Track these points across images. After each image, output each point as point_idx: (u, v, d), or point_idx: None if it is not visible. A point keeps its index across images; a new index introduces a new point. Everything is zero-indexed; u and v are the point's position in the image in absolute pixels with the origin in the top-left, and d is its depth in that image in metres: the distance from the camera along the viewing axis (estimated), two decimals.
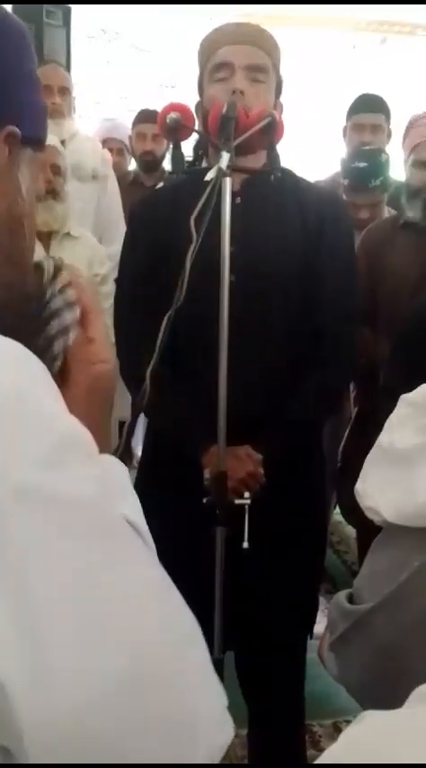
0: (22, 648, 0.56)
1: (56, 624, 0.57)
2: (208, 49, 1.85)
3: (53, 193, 2.79)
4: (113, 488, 0.69)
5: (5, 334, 0.66)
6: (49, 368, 0.69)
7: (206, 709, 0.64)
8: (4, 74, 0.76)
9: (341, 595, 1.03)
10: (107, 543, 0.63)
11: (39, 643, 0.56)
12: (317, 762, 0.67)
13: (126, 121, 4.35)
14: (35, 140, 0.81)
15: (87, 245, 3.03)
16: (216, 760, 0.63)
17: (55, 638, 0.57)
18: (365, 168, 2.85)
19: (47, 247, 2.82)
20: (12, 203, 0.77)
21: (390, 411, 1.02)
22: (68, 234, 2.91)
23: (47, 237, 2.83)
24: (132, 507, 0.72)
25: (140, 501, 0.76)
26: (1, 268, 0.76)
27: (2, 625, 0.56)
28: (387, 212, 2.98)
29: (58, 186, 2.82)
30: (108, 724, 0.57)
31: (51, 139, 2.64)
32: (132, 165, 4.39)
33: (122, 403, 1.98)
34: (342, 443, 2.95)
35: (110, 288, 2.79)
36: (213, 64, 1.82)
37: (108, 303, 2.33)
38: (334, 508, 3.47)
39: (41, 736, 0.56)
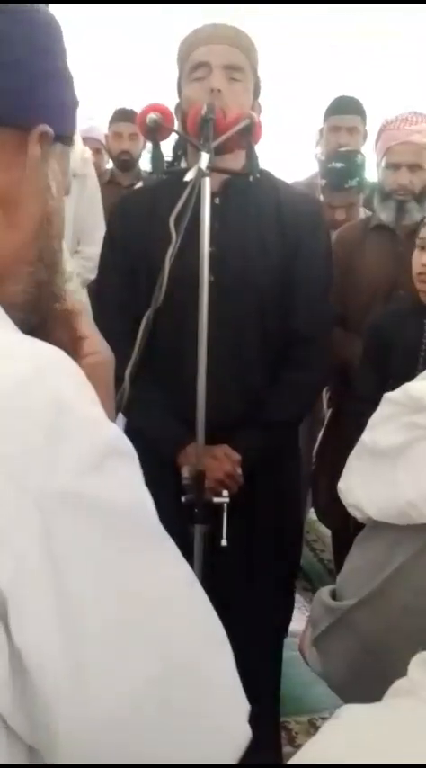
0: (63, 647, 0.57)
1: (94, 624, 0.58)
2: (186, 49, 1.86)
3: None
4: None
5: (31, 334, 0.67)
6: None
7: (231, 711, 0.65)
8: (35, 71, 0.73)
9: (324, 591, 1.05)
10: (146, 548, 0.64)
11: (78, 642, 0.58)
12: (294, 758, 0.68)
13: (102, 120, 4.34)
14: (66, 136, 0.79)
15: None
16: (236, 760, 0.65)
17: (93, 637, 0.58)
18: (342, 169, 2.88)
19: None
20: (43, 203, 0.76)
21: (361, 415, 1.04)
22: None
23: None
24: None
25: None
26: (32, 267, 0.75)
27: (45, 622, 0.57)
28: (363, 213, 3.01)
29: None
30: (138, 721, 0.59)
31: None
32: (108, 164, 4.38)
33: None
34: (316, 445, 2.97)
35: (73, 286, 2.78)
36: (191, 64, 1.83)
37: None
38: (310, 507, 3.50)
39: (75, 731, 0.57)
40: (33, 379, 0.61)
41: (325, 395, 2.96)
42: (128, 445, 0.66)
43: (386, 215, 2.58)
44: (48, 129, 0.74)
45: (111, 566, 0.60)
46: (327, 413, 2.98)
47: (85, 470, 0.60)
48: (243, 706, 0.67)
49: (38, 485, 0.58)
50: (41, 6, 0.75)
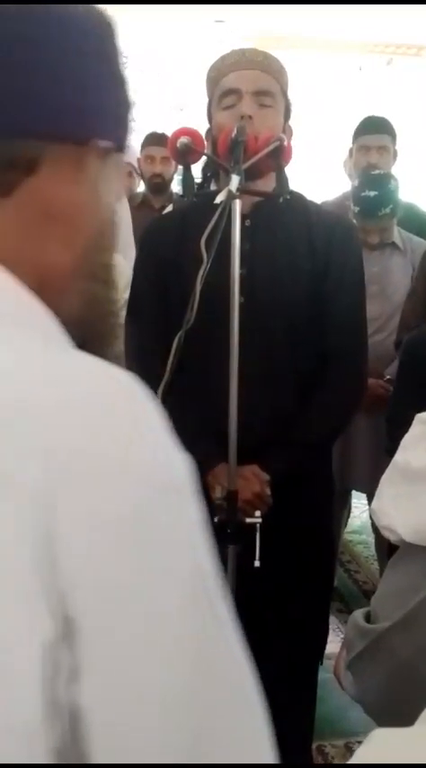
0: (123, 708, 0.53)
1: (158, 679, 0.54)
2: (216, 76, 1.88)
3: None
4: None
5: (82, 348, 0.64)
6: None
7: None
8: (90, 81, 0.67)
9: (359, 614, 1.04)
10: (212, 611, 0.58)
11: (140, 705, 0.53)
12: None
13: (134, 143, 4.40)
14: (122, 145, 0.74)
15: (124, 273, 3.01)
16: None
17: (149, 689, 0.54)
18: (375, 197, 2.87)
19: None
20: (101, 219, 0.72)
21: (396, 437, 1.03)
22: None
23: None
24: None
25: None
26: (86, 283, 0.72)
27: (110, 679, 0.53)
28: (397, 233, 3.00)
29: None
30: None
31: None
32: (140, 187, 4.42)
33: None
34: None
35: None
36: (221, 91, 1.85)
37: None
38: (344, 527, 3.47)
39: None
40: (116, 402, 0.58)
41: None
42: (194, 479, 0.61)
43: None
44: (108, 144, 0.70)
45: (194, 627, 0.56)
46: None
47: (161, 508, 0.55)
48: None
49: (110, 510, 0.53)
50: (91, 6, 0.69)
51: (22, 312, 0.64)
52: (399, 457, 0.99)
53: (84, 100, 0.67)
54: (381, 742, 0.66)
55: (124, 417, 0.57)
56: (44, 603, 0.51)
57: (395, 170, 3.23)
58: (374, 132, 3.28)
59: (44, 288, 0.66)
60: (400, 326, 2.74)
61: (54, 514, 0.52)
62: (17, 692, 0.51)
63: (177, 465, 0.59)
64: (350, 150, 3.38)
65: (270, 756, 0.59)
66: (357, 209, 2.92)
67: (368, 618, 1.01)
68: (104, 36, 0.70)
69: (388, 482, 1.01)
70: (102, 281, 0.74)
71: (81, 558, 0.52)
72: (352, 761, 0.68)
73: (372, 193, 2.88)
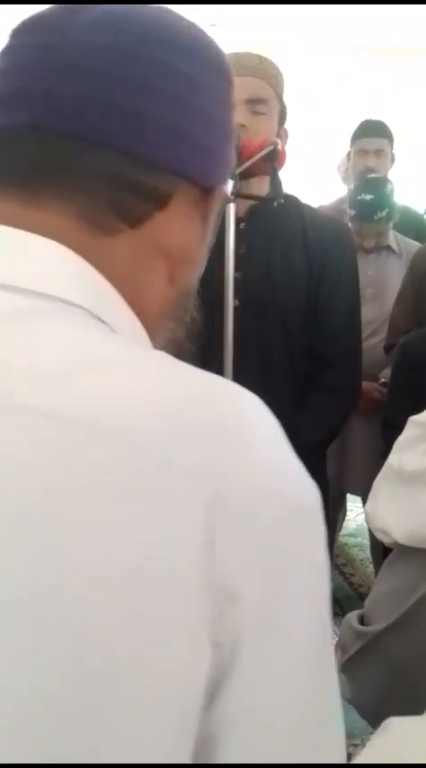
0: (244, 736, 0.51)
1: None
2: None
3: None
4: None
5: None
6: None
7: None
8: (225, 129, 0.68)
9: (353, 616, 1.04)
10: (327, 635, 0.57)
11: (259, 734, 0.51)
12: None
13: None
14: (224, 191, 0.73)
15: None
16: None
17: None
18: (371, 201, 2.88)
19: None
20: (201, 263, 0.71)
21: (390, 440, 1.03)
22: None
23: None
24: None
25: None
26: (174, 324, 0.72)
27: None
28: (393, 237, 3.01)
29: None
30: None
31: None
32: None
33: None
34: None
35: None
36: None
37: None
38: (340, 530, 3.47)
39: None
40: (258, 408, 0.58)
41: None
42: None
43: None
44: (226, 191, 0.70)
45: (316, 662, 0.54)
46: None
47: (290, 529, 0.53)
48: None
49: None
50: (221, 51, 0.69)
51: (141, 336, 0.65)
52: (393, 459, 0.99)
53: (220, 147, 0.68)
54: (396, 730, 0.66)
55: (271, 444, 0.57)
56: (205, 631, 0.48)
57: (393, 173, 3.24)
58: (371, 135, 3.29)
59: (142, 317, 0.66)
60: (389, 331, 2.75)
61: (214, 536, 0.49)
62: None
63: (312, 486, 0.58)
64: (348, 153, 3.39)
65: None
66: (353, 212, 2.93)
67: (362, 620, 1.02)
68: (231, 83, 0.71)
69: (382, 484, 1.01)
70: (183, 326, 0.74)
71: (235, 572, 0.50)
72: (368, 749, 0.68)
73: (368, 197, 2.89)
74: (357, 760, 0.68)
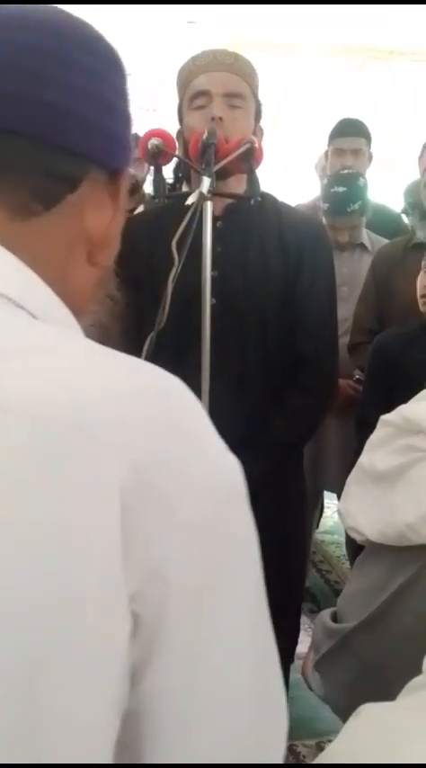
0: (183, 695, 0.56)
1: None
2: (186, 77, 1.88)
3: None
4: None
5: None
6: None
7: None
8: (126, 113, 0.73)
9: (326, 614, 1.04)
10: (264, 606, 0.64)
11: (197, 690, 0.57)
12: (321, 756, 0.68)
13: None
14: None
15: None
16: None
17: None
18: (344, 193, 2.89)
19: None
20: (117, 236, 0.76)
21: (364, 438, 1.04)
22: None
23: None
24: None
25: None
26: (99, 304, 0.77)
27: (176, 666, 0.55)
28: (366, 235, 3.02)
29: None
30: None
31: None
32: None
33: None
34: None
35: None
36: (191, 92, 1.85)
37: None
38: (316, 527, 3.49)
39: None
40: (173, 389, 0.63)
41: None
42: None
43: (424, 234, 2.58)
44: (133, 172, 0.74)
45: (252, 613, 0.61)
46: None
47: (219, 501, 0.60)
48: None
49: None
50: (110, 43, 0.74)
51: (68, 321, 0.69)
52: (364, 458, 1.00)
53: (125, 133, 0.73)
54: (370, 713, 0.67)
55: (193, 427, 0.62)
56: (125, 597, 0.53)
57: (370, 173, 3.25)
58: (349, 135, 3.30)
59: (67, 301, 0.69)
60: (353, 330, 2.75)
61: (136, 516, 0.54)
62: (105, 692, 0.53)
63: (235, 464, 0.63)
64: (326, 152, 3.39)
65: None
66: (326, 205, 2.93)
67: (335, 618, 1.02)
68: (124, 75, 0.75)
69: (354, 483, 1.02)
70: (106, 307, 0.79)
71: (165, 556, 0.55)
72: (343, 734, 0.69)
73: (340, 189, 2.89)
74: (333, 743, 0.68)
